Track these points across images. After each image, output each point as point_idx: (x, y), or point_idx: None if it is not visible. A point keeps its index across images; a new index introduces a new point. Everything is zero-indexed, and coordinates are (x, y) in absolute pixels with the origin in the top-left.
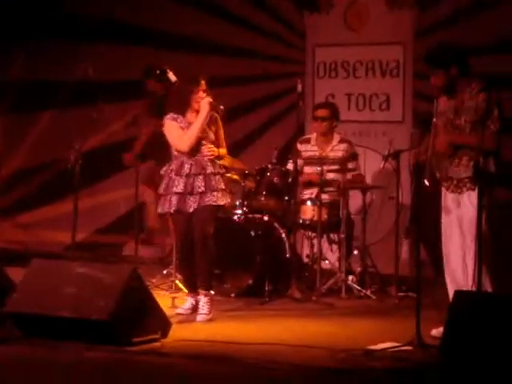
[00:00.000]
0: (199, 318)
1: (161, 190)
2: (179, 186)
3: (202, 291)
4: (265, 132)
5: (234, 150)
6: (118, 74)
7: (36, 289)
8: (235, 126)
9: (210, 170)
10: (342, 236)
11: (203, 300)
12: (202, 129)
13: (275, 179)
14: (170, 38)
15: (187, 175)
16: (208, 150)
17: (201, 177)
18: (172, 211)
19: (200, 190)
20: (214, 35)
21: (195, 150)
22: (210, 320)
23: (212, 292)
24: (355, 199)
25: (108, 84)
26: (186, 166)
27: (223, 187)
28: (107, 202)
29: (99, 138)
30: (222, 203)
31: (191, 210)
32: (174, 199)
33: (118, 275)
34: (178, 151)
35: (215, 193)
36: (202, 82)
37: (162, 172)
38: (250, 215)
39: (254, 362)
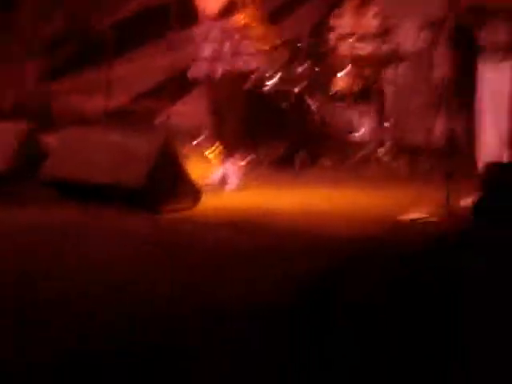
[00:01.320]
0: (227, 186)
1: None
2: (207, 51)
3: (230, 159)
4: (301, 2)
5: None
6: None
7: (69, 156)
8: None
9: (237, 36)
10: (373, 107)
11: (231, 168)
12: None
13: (309, 49)
14: None
15: (214, 40)
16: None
17: (228, 43)
18: (197, 77)
19: (226, 56)
20: None
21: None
22: (242, 188)
23: (241, 160)
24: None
25: None
26: (214, 31)
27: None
28: (142, 69)
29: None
30: (251, 68)
31: (219, 74)
32: (204, 65)
33: (150, 143)
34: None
35: (245, 57)
36: None
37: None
38: (282, 86)
39: (286, 230)
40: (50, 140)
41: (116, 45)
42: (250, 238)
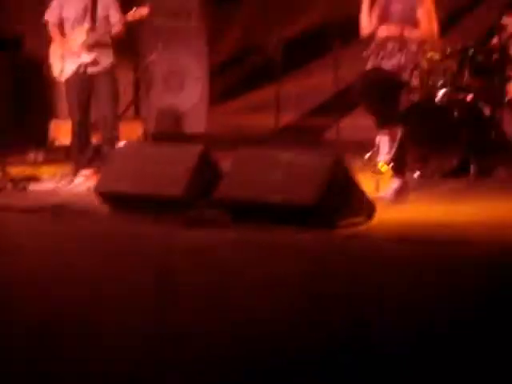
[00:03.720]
0: (399, 199)
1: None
2: (369, 65)
3: (401, 171)
4: (469, 9)
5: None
6: None
7: (243, 176)
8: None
9: (389, 48)
10: None
11: (401, 180)
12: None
13: (479, 57)
14: None
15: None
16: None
17: (381, 53)
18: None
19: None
20: None
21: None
22: (415, 202)
23: (413, 172)
24: None
25: None
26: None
27: (407, 65)
28: (310, 87)
29: (302, 21)
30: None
31: (388, 67)
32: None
33: (322, 160)
34: None
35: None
36: None
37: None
38: (453, 95)
39: (460, 244)
40: (224, 161)
41: (284, 63)
42: (423, 251)
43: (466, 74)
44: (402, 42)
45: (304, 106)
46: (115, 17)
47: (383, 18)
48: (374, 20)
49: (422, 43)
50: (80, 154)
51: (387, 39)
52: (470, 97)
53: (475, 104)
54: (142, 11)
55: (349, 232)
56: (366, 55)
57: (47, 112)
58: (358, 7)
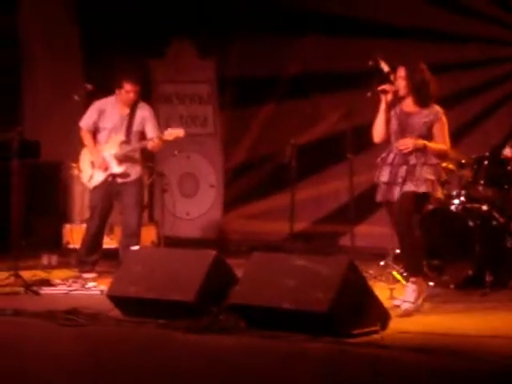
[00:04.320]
0: (404, 305)
1: (375, 177)
2: (385, 175)
3: (410, 278)
4: (483, 120)
5: (451, 138)
6: (333, 65)
7: (257, 281)
8: (453, 113)
9: (413, 161)
10: None
11: (410, 287)
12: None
13: (493, 168)
14: (388, 27)
15: (391, 164)
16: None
17: (404, 167)
18: (380, 200)
19: (400, 180)
20: (432, 22)
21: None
22: (429, 311)
23: (420, 279)
24: None
25: (323, 76)
26: (391, 156)
27: (429, 177)
28: (324, 194)
29: (315, 130)
30: (422, 191)
31: (395, 199)
32: (382, 189)
33: (335, 267)
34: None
35: (417, 181)
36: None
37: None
38: (468, 205)
39: (475, 355)
40: (237, 266)
41: (298, 169)
42: (438, 363)
43: (481, 183)
44: (424, 155)
45: (318, 213)
46: (152, 133)
47: (401, 131)
48: (391, 130)
49: (440, 156)
50: (87, 257)
51: (410, 153)
52: (484, 207)
53: (490, 214)
54: (179, 133)
55: (362, 341)
56: (379, 163)
57: (60, 216)
58: (369, 115)
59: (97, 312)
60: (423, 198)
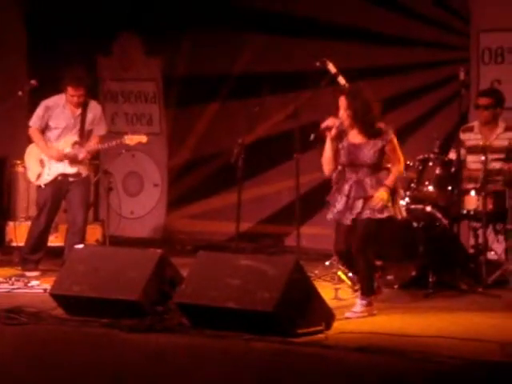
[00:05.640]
0: (348, 313)
1: (329, 196)
2: (340, 205)
3: (360, 295)
4: (426, 121)
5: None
6: (280, 65)
7: (202, 280)
8: (396, 116)
9: (371, 192)
10: (509, 227)
11: (360, 302)
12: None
13: (437, 169)
14: (334, 28)
15: (347, 196)
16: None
17: (361, 200)
18: (330, 219)
19: (358, 211)
20: (376, 24)
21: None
22: (372, 312)
23: (372, 299)
24: None
25: (270, 75)
26: (346, 187)
27: (388, 204)
28: (270, 193)
29: (261, 129)
30: (380, 216)
31: (348, 222)
32: (335, 210)
33: (281, 267)
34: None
35: (378, 209)
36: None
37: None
38: (413, 206)
39: (419, 355)
40: (182, 265)
41: (245, 169)
42: (382, 362)
43: (425, 184)
44: (381, 185)
45: (264, 213)
46: (99, 132)
47: (351, 163)
48: (340, 162)
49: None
50: (31, 255)
51: (366, 184)
52: (428, 208)
53: (433, 215)
54: (142, 139)
55: (307, 340)
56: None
57: (4, 213)
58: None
59: (40, 311)
60: (385, 221)
